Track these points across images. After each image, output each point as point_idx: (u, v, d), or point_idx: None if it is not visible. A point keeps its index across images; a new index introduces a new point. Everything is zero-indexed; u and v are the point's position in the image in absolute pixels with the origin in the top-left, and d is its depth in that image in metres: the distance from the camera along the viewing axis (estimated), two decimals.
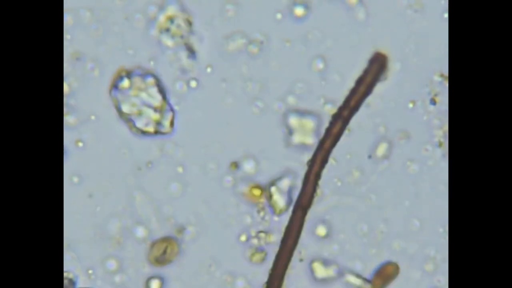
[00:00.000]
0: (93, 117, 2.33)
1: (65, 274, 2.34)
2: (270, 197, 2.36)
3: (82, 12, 2.30)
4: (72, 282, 2.35)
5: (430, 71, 2.34)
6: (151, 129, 2.33)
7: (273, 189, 2.36)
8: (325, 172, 2.33)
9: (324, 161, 2.31)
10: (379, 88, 2.31)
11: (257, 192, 2.35)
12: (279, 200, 2.36)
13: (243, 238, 2.37)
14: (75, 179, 2.35)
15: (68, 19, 2.30)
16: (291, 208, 2.33)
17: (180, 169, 2.35)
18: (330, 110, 2.33)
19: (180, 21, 2.24)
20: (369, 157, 2.27)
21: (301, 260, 2.33)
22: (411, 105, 2.35)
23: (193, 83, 2.33)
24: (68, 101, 2.32)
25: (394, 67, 2.32)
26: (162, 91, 2.32)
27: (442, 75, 2.34)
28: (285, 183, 2.36)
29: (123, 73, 2.32)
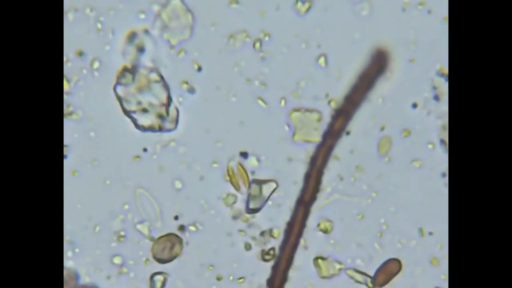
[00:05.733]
0: (96, 113, 2.34)
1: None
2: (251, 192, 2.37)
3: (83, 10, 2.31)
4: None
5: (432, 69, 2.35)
6: (154, 125, 2.33)
7: (257, 187, 2.37)
8: (327, 169, 2.34)
9: (327, 157, 2.31)
10: (380, 85, 2.32)
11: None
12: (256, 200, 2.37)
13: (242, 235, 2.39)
14: (77, 174, 2.35)
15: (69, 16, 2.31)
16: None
17: (183, 166, 2.36)
18: (332, 106, 2.34)
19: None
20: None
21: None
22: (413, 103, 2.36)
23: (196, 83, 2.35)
24: (72, 97, 2.33)
25: (396, 64, 2.33)
26: (166, 87, 2.33)
27: (443, 73, 2.34)
28: (269, 188, 2.37)
29: (127, 69, 2.32)
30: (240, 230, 2.38)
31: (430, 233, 2.39)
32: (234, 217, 2.37)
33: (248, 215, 2.37)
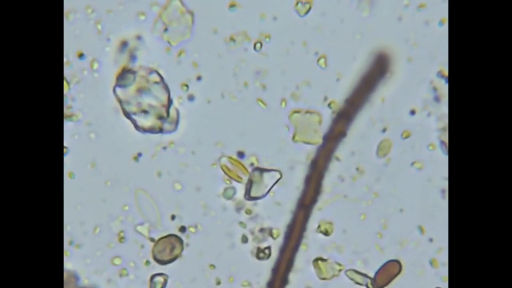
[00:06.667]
0: (96, 115, 2.34)
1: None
2: (251, 180, 2.37)
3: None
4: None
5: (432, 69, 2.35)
6: (155, 126, 2.33)
7: (257, 175, 2.37)
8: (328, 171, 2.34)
9: (327, 160, 2.31)
10: (382, 86, 2.32)
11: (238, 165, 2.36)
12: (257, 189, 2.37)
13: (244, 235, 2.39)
14: (77, 176, 2.36)
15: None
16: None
17: (183, 167, 2.36)
18: (333, 108, 2.34)
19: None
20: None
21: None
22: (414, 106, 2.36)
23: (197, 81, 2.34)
24: (72, 98, 2.33)
25: (397, 65, 2.33)
26: (166, 88, 2.33)
27: (443, 75, 2.34)
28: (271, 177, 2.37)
29: (127, 70, 2.32)
30: (241, 222, 2.38)
31: (431, 240, 2.40)
32: (238, 209, 2.37)
33: (250, 204, 2.37)
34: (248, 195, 2.37)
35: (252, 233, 2.38)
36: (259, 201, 2.38)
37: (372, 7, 2.26)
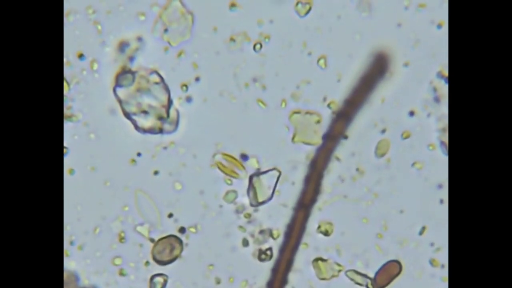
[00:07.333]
0: (96, 115, 2.34)
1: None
2: (252, 186, 2.37)
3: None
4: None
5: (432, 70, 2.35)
6: (155, 127, 2.33)
7: (256, 180, 2.37)
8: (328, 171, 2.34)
9: (327, 160, 2.31)
10: (382, 86, 2.32)
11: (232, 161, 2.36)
12: (260, 193, 2.37)
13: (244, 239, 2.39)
14: (77, 176, 2.36)
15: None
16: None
17: (183, 167, 2.36)
18: (332, 108, 2.34)
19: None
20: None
21: None
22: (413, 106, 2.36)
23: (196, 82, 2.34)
24: (71, 98, 2.33)
25: (396, 65, 2.32)
26: (166, 88, 2.33)
27: (443, 75, 2.34)
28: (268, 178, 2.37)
29: (126, 70, 2.32)
30: (240, 226, 2.38)
31: (432, 244, 2.40)
32: (237, 212, 2.37)
33: (251, 210, 2.37)
34: (255, 202, 2.36)
35: (252, 235, 2.38)
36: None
37: (371, 8, 2.26)
